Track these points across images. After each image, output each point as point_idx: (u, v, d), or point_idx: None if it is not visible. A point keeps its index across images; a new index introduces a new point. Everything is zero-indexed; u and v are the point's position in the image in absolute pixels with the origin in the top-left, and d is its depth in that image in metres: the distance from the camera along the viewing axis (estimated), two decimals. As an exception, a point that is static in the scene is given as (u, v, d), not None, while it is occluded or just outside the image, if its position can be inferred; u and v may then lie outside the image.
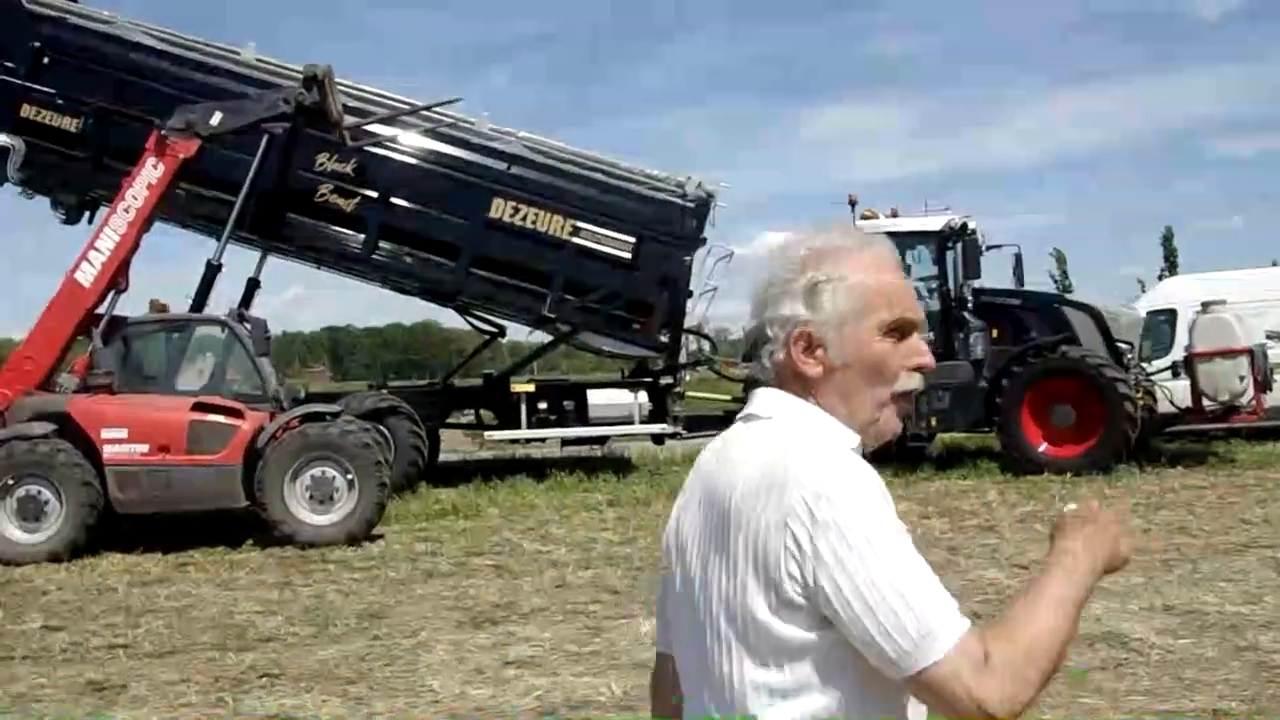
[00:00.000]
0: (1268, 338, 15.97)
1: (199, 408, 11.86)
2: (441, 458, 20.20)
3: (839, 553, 1.59)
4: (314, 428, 12.29)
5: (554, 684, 6.80)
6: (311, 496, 12.08)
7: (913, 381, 1.81)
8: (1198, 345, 15.21)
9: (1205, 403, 15.16)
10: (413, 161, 16.24)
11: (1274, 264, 28.45)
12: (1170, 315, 18.02)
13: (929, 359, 1.83)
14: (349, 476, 12.10)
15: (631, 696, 6.52)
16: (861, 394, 1.78)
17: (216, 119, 13.63)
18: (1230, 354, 15.02)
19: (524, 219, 16.39)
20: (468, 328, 19.35)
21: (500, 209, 16.37)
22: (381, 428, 15.51)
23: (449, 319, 18.16)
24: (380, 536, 12.40)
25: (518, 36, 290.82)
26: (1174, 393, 15.53)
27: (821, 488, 1.62)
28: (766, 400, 1.80)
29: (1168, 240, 49.02)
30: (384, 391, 17.14)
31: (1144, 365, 16.18)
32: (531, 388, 16.96)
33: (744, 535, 1.66)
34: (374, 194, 16.00)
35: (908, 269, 16.87)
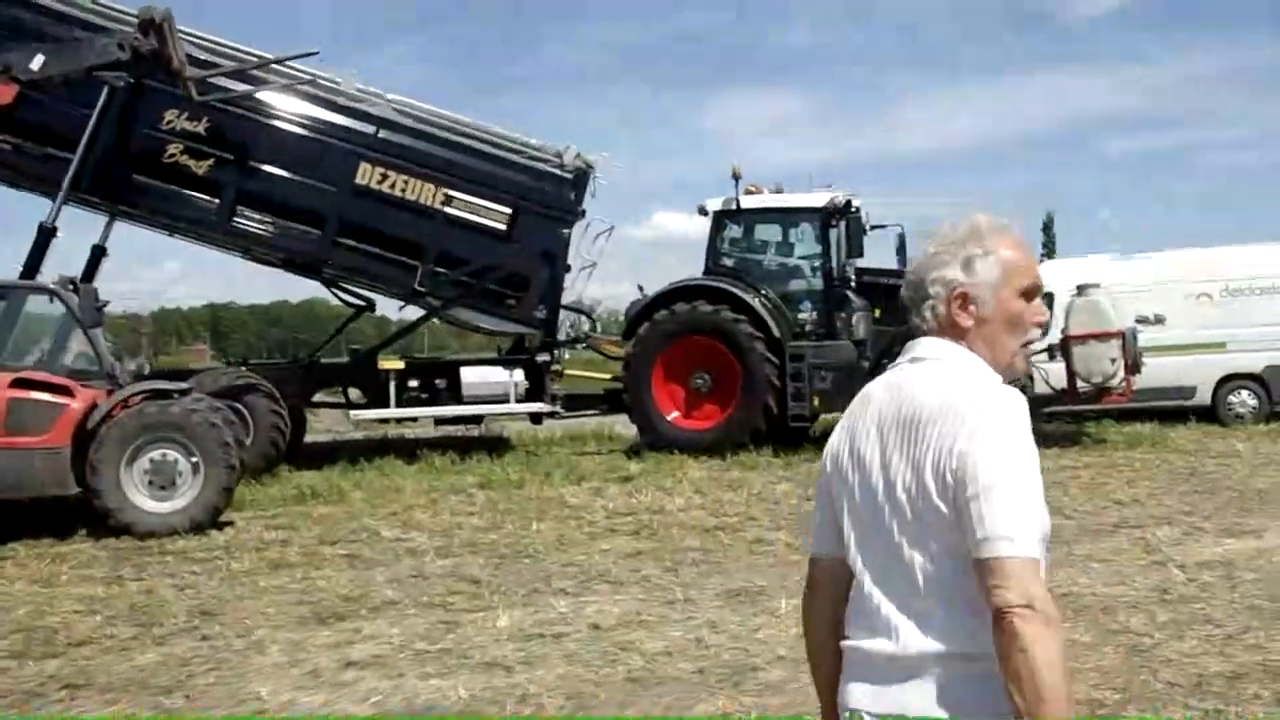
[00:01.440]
0: (1137, 321, 15.99)
1: (19, 384, 10.79)
2: (311, 438, 19.38)
3: (984, 452, 2.06)
4: (153, 406, 11.36)
5: (395, 687, 6.19)
6: (151, 482, 11.14)
7: (1034, 334, 2.32)
8: (1072, 328, 15.12)
9: (1079, 384, 15.11)
10: (272, 122, 15.30)
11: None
12: (1047, 298, 17.97)
13: (1046, 316, 2.37)
14: (193, 459, 11.20)
15: (480, 700, 5.96)
16: (1003, 341, 2.28)
17: (38, 62, 12.52)
18: (1103, 337, 14.97)
19: (393, 186, 15.60)
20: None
21: (367, 175, 15.55)
22: (238, 406, 14.58)
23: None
24: (229, 524, 11.54)
25: (422, 11, 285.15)
26: (1050, 374, 15.43)
27: (985, 411, 2.11)
28: (931, 346, 2.29)
29: (1048, 227, 49.94)
30: (242, 368, 16.17)
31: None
32: (400, 365, 16.18)
33: (929, 449, 2.12)
34: (229, 156, 15.02)
35: (789, 246, 16.56)
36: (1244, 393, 17.03)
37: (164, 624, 7.74)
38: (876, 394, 2.30)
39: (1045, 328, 2.39)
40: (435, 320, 18.03)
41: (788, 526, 10.32)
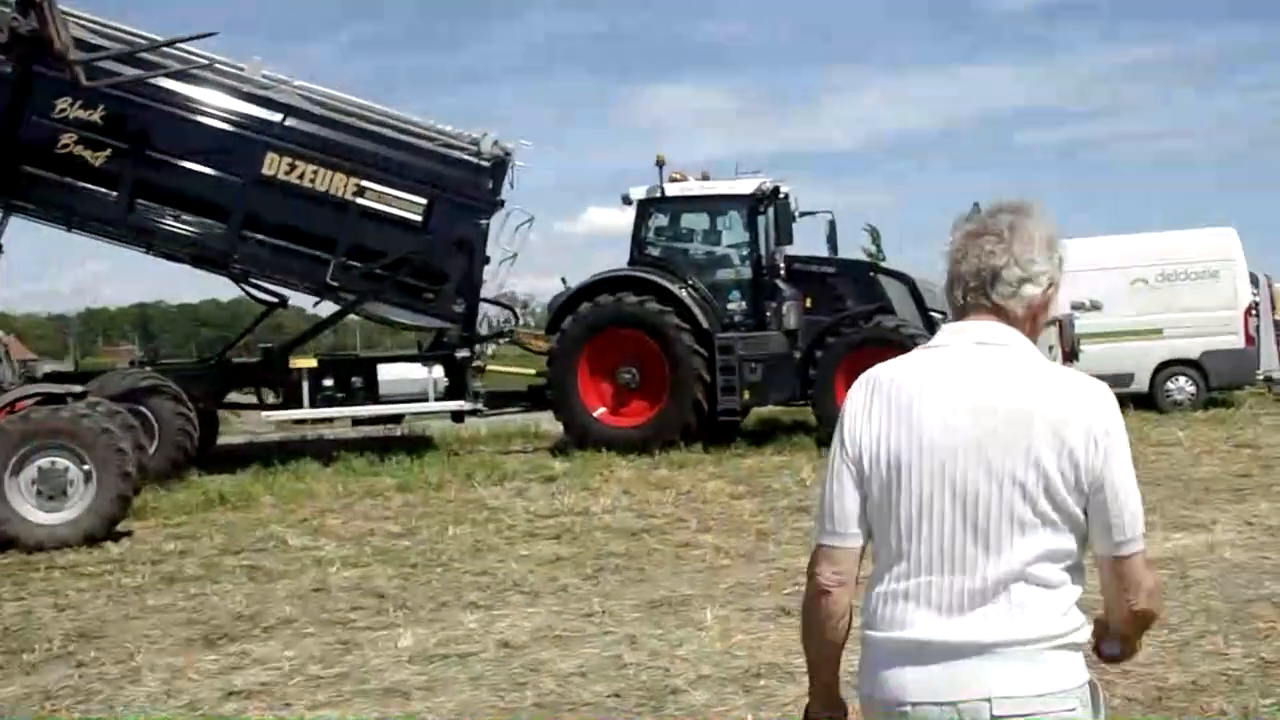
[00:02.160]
0: (1073, 308, 15.74)
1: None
2: (228, 440, 18.61)
3: (1119, 458, 2.18)
4: (41, 411, 10.63)
5: (279, 721, 5.59)
6: (39, 492, 10.41)
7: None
8: (1009, 314, 14.80)
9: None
10: (172, 110, 14.53)
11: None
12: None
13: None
14: (85, 467, 10.47)
15: (373, 734, 5.37)
16: (1039, 337, 2.35)
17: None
18: (1043, 322, 14.67)
19: (301, 176, 14.93)
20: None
21: (274, 165, 14.86)
22: (141, 409, 13.82)
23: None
24: (127, 535, 10.83)
25: (350, 4, 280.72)
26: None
27: (1111, 411, 2.20)
28: (996, 331, 2.26)
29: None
30: (148, 369, 15.37)
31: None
32: (314, 363, 15.46)
33: (1051, 437, 2.15)
34: (126, 146, 14.23)
35: (717, 235, 16.09)
36: (1181, 379, 16.84)
37: (36, 649, 7.09)
38: (939, 375, 2.24)
39: None
40: (357, 316, 17.37)
41: (716, 528, 9.83)
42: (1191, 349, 16.58)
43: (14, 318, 61.39)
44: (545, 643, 6.73)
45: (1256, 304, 17.06)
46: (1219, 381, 16.84)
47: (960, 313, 2.31)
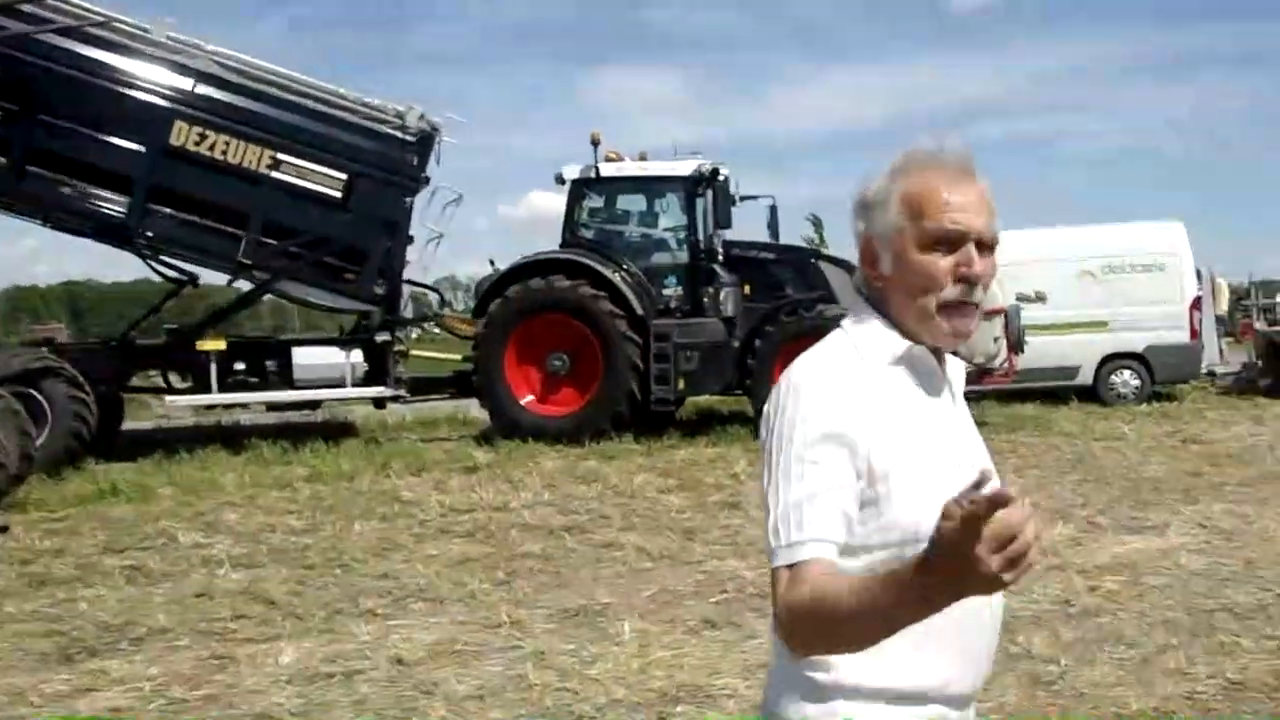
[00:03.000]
0: (1018, 299, 15.26)
1: None
2: (138, 426, 17.66)
3: (768, 444, 1.78)
4: (-94, 394, 9.72)
5: (124, 758, 4.85)
6: (-96, 481, 9.53)
7: (952, 293, 1.83)
8: (953, 305, 14.30)
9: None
10: (68, 71, 13.53)
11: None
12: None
13: (977, 267, 1.82)
14: (-44, 455, 9.61)
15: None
16: (904, 306, 1.85)
17: None
18: (987, 314, 14.18)
19: (212, 148, 14.04)
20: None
21: (183, 135, 13.96)
22: (31, 393, 12.90)
23: (206, 274, 15.37)
24: (2, 530, 9.96)
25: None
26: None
27: (781, 386, 1.81)
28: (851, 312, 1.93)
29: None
30: (42, 349, 14.38)
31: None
32: (222, 345, 14.55)
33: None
34: (15, 108, 13.25)
35: (653, 218, 15.43)
36: (1126, 373, 16.40)
37: None
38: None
39: (977, 282, 1.82)
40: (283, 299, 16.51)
41: (641, 526, 9.17)
42: (1137, 342, 16.15)
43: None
44: (443, 659, 6.03)
45: (1200, 298, 16.68)
46: (1164, 376, 16.46)
47: None
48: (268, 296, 16.41)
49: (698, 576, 7.52)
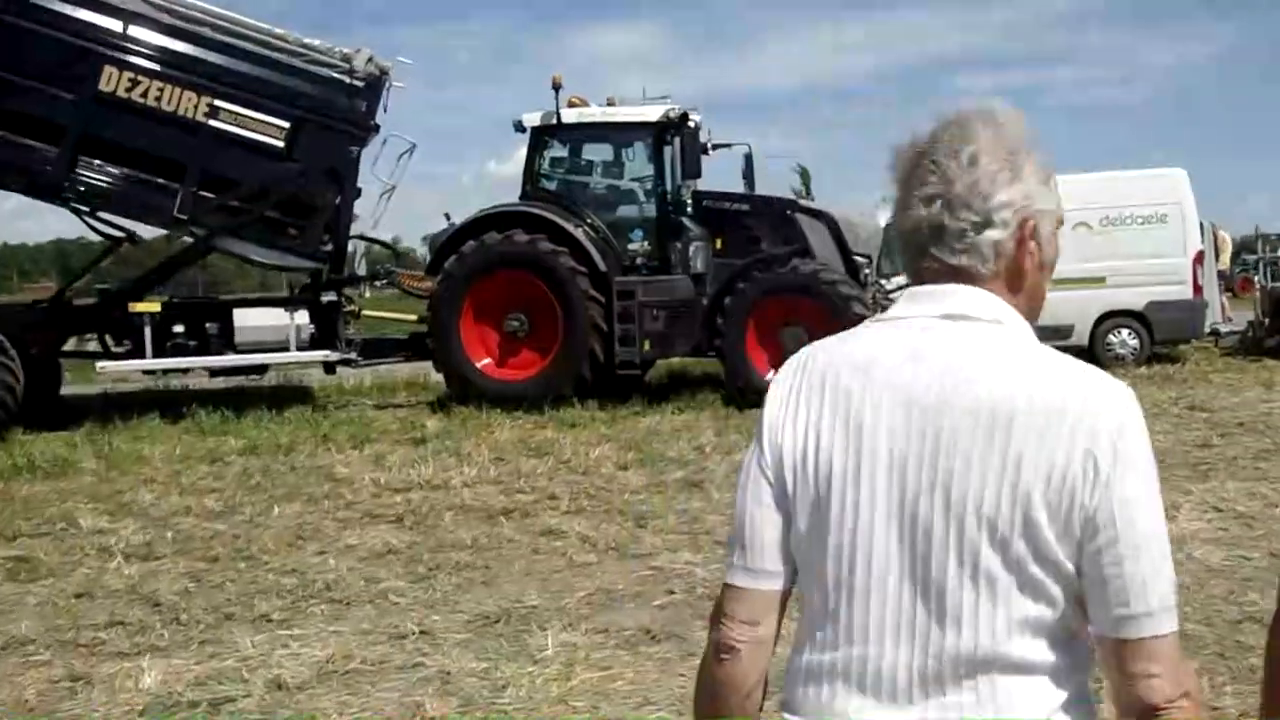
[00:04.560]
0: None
1: None
2: (80, 390, 16.71)
3: (1135, 489, 1.47)
4: None
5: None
6: None
7: None
8: (942, 259, 13.36)
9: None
10: (-13, 13, 12.52)
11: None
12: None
13: None
14: None
15: None
16: (1042, 296, 1.70)
17: None
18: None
19: (145, 94, 13.05)
20: None
21: (113, 80, 12.96)
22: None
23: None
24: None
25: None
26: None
27: (1129, 420, 1.49)
28: (978, 300, 1.58)
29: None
30: (-35, 312, 13.43)
31: (882, 282, 14.25)
32: (157, 307, 13.58)
33: (1033, 455, 1.46)
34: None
35: (619, 167, 14.46)
36: (1124, 331, 15.41)
37: None
38: (891, 358, 1.56)
39: None
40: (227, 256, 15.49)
41: (590, 510, 8.28)
42: (1136, 300, 15.13)
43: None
44: (330, 682, 5.15)
45: (1203, 252, 15.71)
46: (1164, 335, 15.50)
47: (915, 278, 1.64)
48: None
49: (643, 573, 6.63)
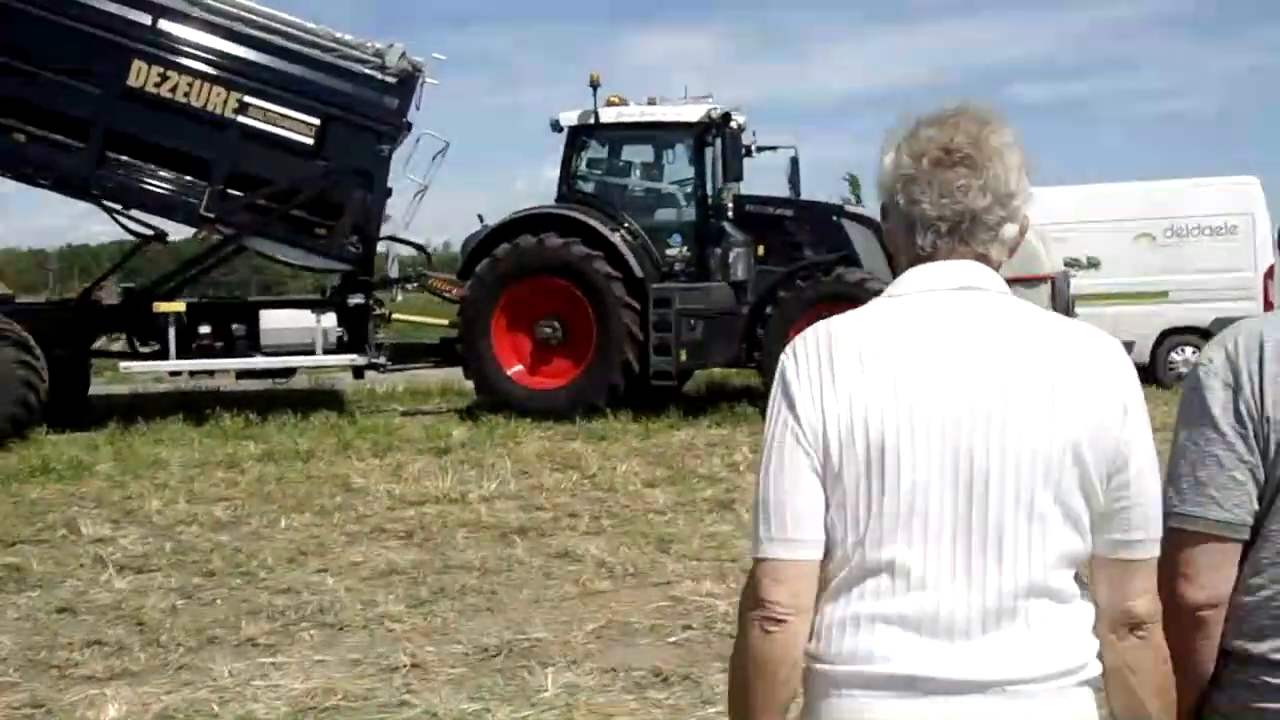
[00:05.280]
0: (1067, 265, 13.66)
1: None
2: (115, 390, 16.48)
3: (1146, 433, 1.69)
4: None
5: None
6: None
7: None
8: (995, 269, 12.75)
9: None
10: (17, 5, 12.27)
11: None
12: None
13: None
14: None
15: None
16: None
17: None
18: (1030, 281, 12.59)
19: (174, 89, 12.76)
20: None
21: (142, 75, 12.68)
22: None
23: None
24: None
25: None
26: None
27: (1133, 372, 1.72)
28: (977, 273, 1.75)
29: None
30: (-8, 310, 13.17)
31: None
32: (181, 307, 13.26)
33: (1080, 403, 1.65)
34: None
35: (658, 169, 14.00)
36: (1188, 350, 14.62)
37: None
38: (923, 328, 1.69)
39: None
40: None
41: (611, 531, 7.77)
42: (1202, 316, 14.27)
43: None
44: (310, 718, 4.68)
45: (1275, 266, 14.92)
46: (1231, 354, 14.74)
47: (928, 256, 1.74)
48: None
49: (661, 604, 6.12)
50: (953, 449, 1.63)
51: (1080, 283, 13.67)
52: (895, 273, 1.87)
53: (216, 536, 7.92)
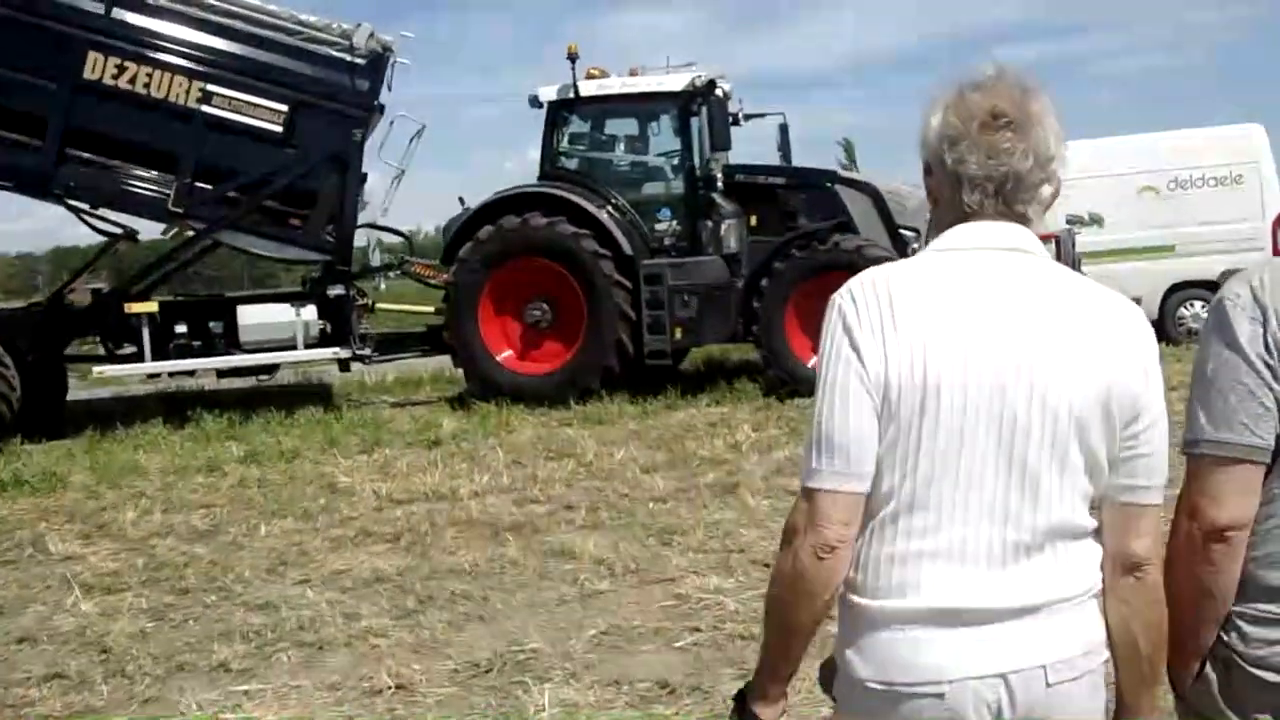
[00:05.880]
0: (1069, 222, 13.19)
1: None
2: (96, 394, 16.02)
3: (1161, 388, 1.87)
4: None
5: None
6: None
7: None
8: (995, 230, 12.28)
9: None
10: (-38, -2, 11.75)
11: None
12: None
13: None
14: None
15: None
16: None
17: None
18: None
19: (133, 81, 12.21)
20: None
21: (98, 67, 12.13)
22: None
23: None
24: None
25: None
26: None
27: (1151, 332, 1.91)
28: (1021, 235, 1.88)
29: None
30: (-46, 317, 12.69)
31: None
32: (154, 307, 12.76)
33: (1111, 360, 1.81)
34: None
35: (643, 142, 13.50)
36: (1197, 304, 14.20)
37: None
38: (971, 282, 1.84)
39: None
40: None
41: (609, 523, 7.33)
42: (1210, 268, 13.81)
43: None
44: (281, 756, 4.24)
45: (1282, 214, 14.47)
46: (1240, 305, 14.30)
47: (973, 214, 1.87)
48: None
49: (665, 603, 5.68)
50: (999, 399, 1.77)
51: (1084, 239, 13.22)
52: (935, 225, 1.95)
53: (192, 549, 7.46)
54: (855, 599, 1.83)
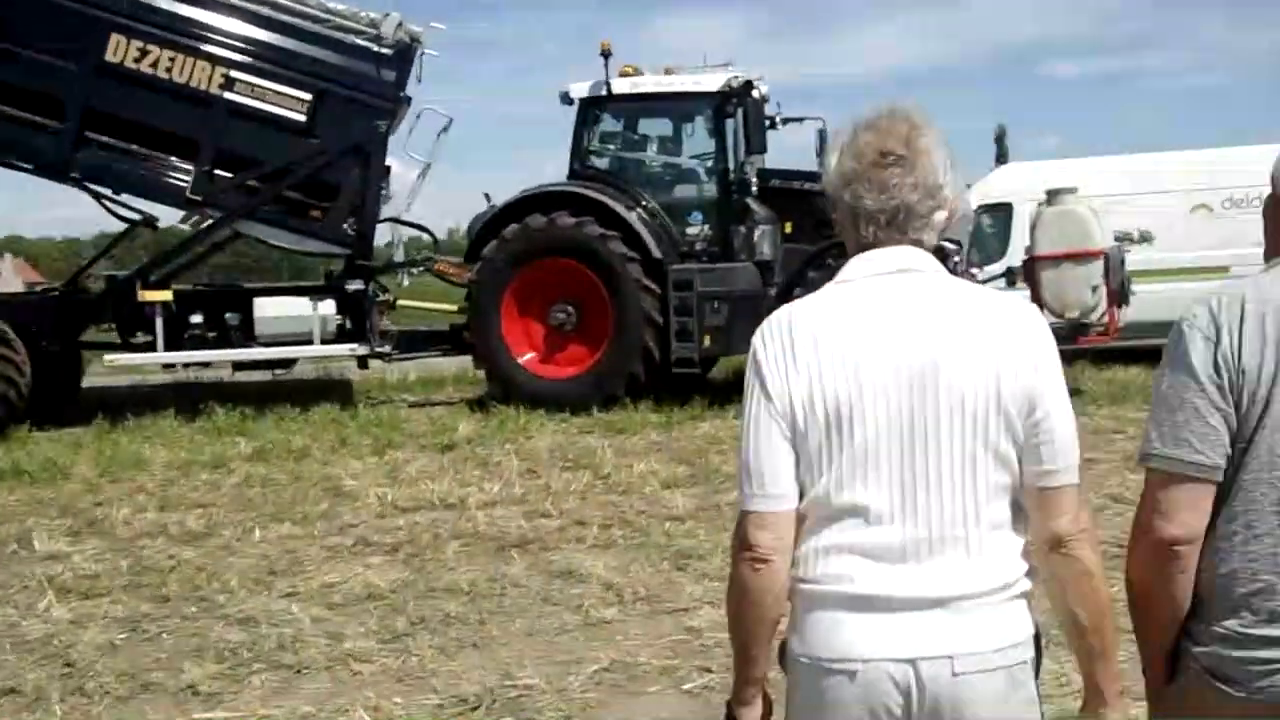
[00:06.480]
0: (1118, 240, 12.61)
1: None
2: (112, 382, 15.72)
3: (1058, 380, 1.99)
4: None
5: None
6: None
7: None
8: (1042, 246, 11.74)
9: (1049, 319, 11.66)
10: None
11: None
12: (1004, 211, 14.59)
13: None
14: None
15: None
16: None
17: None
18: (1081, 258, 11.62)
19: (155, 65, 11.95)
20: None
21: (120, 50, 11.88)
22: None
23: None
24: None
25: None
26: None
27: (1047, 330, 2.03)
28: (911, 256, 2.05)
29: (1000, 139, 46.35)
30: (-34, 301, 12.41)
31: (973, 271, 12.61)
32: (168, 296, 12.42)
33: (1003, 363, 1.95)
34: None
35: (676, 143, 13.08)
36: (1253, 328, 13.67)
37: None
38: (867, 309, 2.01)
39: None
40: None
41: (622, 543, 6.88)
42: (1267, 291, 13.36)
43: (30, 241, 60.17)
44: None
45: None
46: (1296, 331, 13.70)
47: (869, 245, 2.07)
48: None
49: (676, 637, 5.22)
50: (896, 408, 1.94)
51: (1135, 258, 12.64)
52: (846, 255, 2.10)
53: (181, 552, 7.08)
54: (799, 585, 1.99)
